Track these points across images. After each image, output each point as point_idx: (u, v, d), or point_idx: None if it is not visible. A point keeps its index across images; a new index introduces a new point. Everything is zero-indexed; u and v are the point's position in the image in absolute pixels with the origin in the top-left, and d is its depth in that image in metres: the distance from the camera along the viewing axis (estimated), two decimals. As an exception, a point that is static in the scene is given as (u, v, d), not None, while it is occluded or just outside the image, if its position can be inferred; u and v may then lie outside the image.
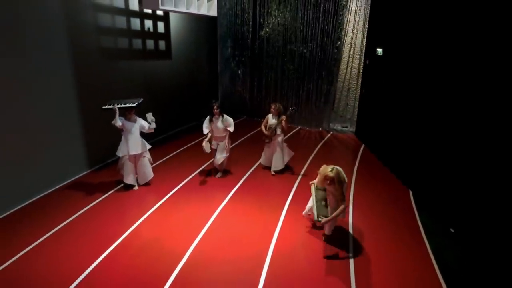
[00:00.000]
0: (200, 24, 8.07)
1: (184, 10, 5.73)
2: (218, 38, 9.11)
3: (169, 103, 7.24)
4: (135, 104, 4.70)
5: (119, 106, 4.56)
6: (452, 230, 3.98)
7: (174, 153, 6.40)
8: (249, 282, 3.10)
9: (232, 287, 3.06)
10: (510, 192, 3.27)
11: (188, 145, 6.88)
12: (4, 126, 4.01)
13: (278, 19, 8.39)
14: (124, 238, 3.72)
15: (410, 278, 3.24)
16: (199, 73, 8.46)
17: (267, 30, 8.60)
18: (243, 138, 7.39)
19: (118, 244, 3.62)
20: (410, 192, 5.02)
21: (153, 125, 4.76)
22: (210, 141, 5.10)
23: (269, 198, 4.81)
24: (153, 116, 4.77)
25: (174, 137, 7.28)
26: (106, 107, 4.56)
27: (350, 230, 4.03)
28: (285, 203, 4.65)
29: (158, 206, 4.45)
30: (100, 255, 3.42)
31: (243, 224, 4.11)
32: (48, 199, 4.54)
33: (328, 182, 3.34)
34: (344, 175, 3.51)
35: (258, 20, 8.54)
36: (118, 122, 4.52)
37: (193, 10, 5.92)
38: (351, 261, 3.46)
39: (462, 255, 3.59)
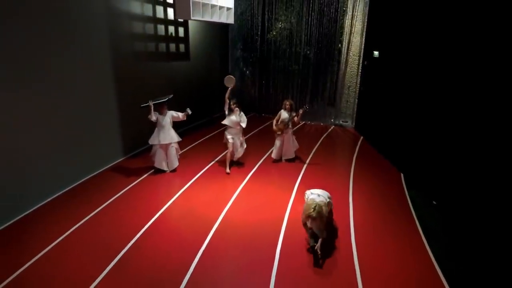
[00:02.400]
0: (214, 29, 8.90)
1: (209, 19, 6.58)
2: (230, 41, 9.95)
3: (188, 99, 8.03)
4: (166, 99, 5.51)
5: (153, 102, 5.36)
6: (434, 202, 4.82)
7: (193, 144, 7.21)
8: (271, 240, 3.92)
9: (258, 242, 3.88)
10: (477, 169, 4.10)
11: (206, 137, 7.71)
12: (59, 117, 4.82)
13: (285, 23, 9.23)
14: (164, 210, 4.53)
15: (399, 237, 4.06)
16: (212, 72, 9.28)
17: (274, 33, 9.44)
18: (252, 132, 8.20)
19: (160, 215, 4.42)
20: (402, 175, 5.87)
21: (181, 115, 5.54)
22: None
23: (281, 180, 5.65)
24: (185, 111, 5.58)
25: (192, 130, 8.10)
26: (144, 105, 5.33)
27: (351, 202, 4.86)
28: (295, 183, 5.47)
29: (188, 186, 5.26)
30: (147, 222, 4.21)
31: (262, 198, 4.95)
32: (94, 181, 5.36)
33: (311, 220, 3.43)
34: (326, 209, 3.62)
35: (266, 24, 9.37)
36: (153, 117, 5.32)
37: (215, 18, 6.77)
38: (352, 222, 4.29)
39: (441, 220, 4.44)
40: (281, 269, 3.42)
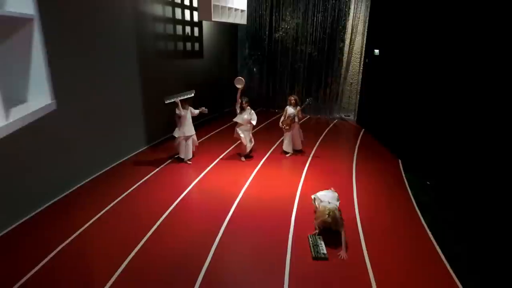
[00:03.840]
0: (225, 29, 9.53)
1: (226, 20, 7.21)
2: (239, 40, 10.58)
3: (201, 94, 8.64)
4: (192, 95, 6.06)
5: (180, 98, 5.86)
6: (428, 183, 5.45)
7: (206, 136, 7.82)
8: (286, 211, 4.55)
9: (275, 212, 4.50)
10: (464, 155, 4.72)
11: (217, 130, 8.33)
12: (94, 109, 5.45)
13: (291, 23, 9.86)
14: (191, 188, 5.16)
15: (396, 210, 4.69)
16: (223, 69, 9.91)
17: (281, 33, 10.07)
18: (260, 126, 8.80)
19: (187, 192, 5.05)
20: (399, 161, 6.50)
21: (197, 112, 6.05)
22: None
23: (291, 166, 6.29)
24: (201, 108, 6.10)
25: (204, 124, 8.72)
26: (168, 101, 5.70)
27: (354, 183, 5.49)
28: (304, 168, 6.10)
29: (208, 171, 5.85)
30: (177, 198, 4.84)
31: (275, 179, 5.59)
32: (124, 165, 6.00)
33: (326, 225, 3.79)
34: (339, 213, 3.86)
35: (273, 25, 10.00)
36: (182, 112, 5.82)
37: (231, 19, 7.40)
38: (355, 200, 4.92)
39: (434, 197, 5.07)
40: (296, 232, 4.04)
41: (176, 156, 6.27)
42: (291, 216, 4.42)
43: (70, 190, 4.94)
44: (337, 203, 4.19)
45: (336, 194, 4.44)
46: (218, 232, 4.03)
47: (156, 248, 3.73)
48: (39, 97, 1.86)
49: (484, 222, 4.27)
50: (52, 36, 4.18)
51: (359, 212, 4.57)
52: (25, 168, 4.18)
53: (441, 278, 3.37)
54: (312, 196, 4.54)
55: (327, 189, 4.62)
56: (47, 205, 4.51)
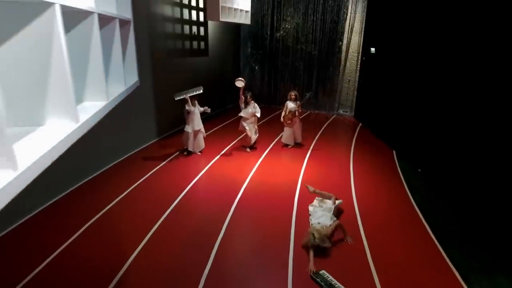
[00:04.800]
0: (228, 28, 9.99)
1: (232, 20, 7.68)
2: (241, 39, 11.05)
3: (206, 90, 9.10)
4: (201, 91, 6.48)
5: (189, 95, 6.27)
6: (419, 170, 5.94)
7: (211, 131, 8.28)
8: (290, 193, 5.02)
9: (280, 194, 4.97)
10: (450, 143, 5.21)
11: (221, 125, 8.79)
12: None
13: (291, 23, 10.33)
14: (201, 175, 5.63)
15: (390, 192, 5.17)
16: (226, 67, 10.37)
17: (282, 32, 10.53)
18: (262, 121, 9.24)
19: (198, 178, 5.52)
20: (394, 151, 6.98)
21: (202, 109, 6.42)
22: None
23: (293, 156, 6.75)
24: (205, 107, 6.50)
25: (208, 119, 9.17)
26: (178, 98, 6.11)
27: (351, 170, 5.97)
28: (304, 158, 6.57)
29: (215, 161, 6.30)
30: (190, 183, 5.31)
31: (279, 167, 6.07)
32: (140, 154, 6.46)
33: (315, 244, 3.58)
34: (325, 231, 3.70)
35: (275, 25, 10.47)
36: (192, 107, 6.23)
37: (236, 20, 7.87)
38: (352, 184, 5.39)
39: (423, 181, 5.56)
40: (299, 212, 4.51)
41: (184, 148, 6.66)
42: (294, 197, 4.90)
43: (98, 172, 5.41)
44: (330, 220, 4.03)
45: (329, 206, 4.27)
46: (230, 209, 4.50)
47: (177, 220, 4.21)
48: (131, 77, 2.93)
49: (465, 201, 4.75)
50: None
51: (356, 195, 5.04)
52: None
53: (426, 245, 3.85)
54: (309, 207, 4.48)
55: (323, 192, 4.59)
56: (77, 185, 4.99)
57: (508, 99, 4.16)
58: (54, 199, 4.60)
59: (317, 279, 3.26)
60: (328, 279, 3.26)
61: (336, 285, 3.18)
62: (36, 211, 4.30)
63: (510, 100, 4.12)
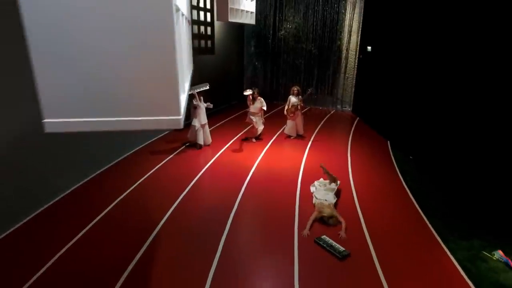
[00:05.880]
0: (233, 28, 10.56)
1: (239, 20, 8.26)
2: (245, 39, 11.62)
3: (212, 87, 9.68)
4: (207, 87, 7.02)
5: (197, 90, 6.82)
6: (410, 157, 6.53)
7: (216, 125, 8.84)
8: (294, 175, 5.60)
9: (285, 177, 5.55)
10: (437, 134, 5.79)
11: (226, 119, 9.35)
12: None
13: (293, 23, 10.90)
14: (212, 162, 6.20)
15: (384, 176, 5.75)
16: (231, 65, 10.94)
17: (283, 32, 11.11)
18: (266, 116, 9.78)
19: (210, 164, 6.09)
20: (388, 141, 7.57)
21: (206, 105, 6.92)
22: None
23: (295, 146, 7.32)
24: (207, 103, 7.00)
25: (213, 114, 9.74)
26: (188, 93, 6.79)
27: (349, 158, 6.55)
28: (306, 147, 7.15)
29: (223, 151, 6.86)
30: (203, 168, 5.88)
31: (283, 155, 6.66)
32: (153, 145, 7.02)
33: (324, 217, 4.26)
34: (333, 208, 4.37)
35: (277, 25, 11.05)
36: (199, 103, 6.80)
37: (242, 20, 8.45)
38: (350, 171, 5.97)
39: (414, 166, 6.14)
40: (302, 191, 5.09)
41: (189, 142, 7.08)
42: (297, 179, 5.48)
43: (126, 154, 5.99)
44: (333, 198, 4.60)
45: (332, 187, 4.82)
46: (241, 187, 5.09)
47: (197, 194, 4.83)
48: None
49: (448, 181, 5.33)
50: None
51: (353, 179, 5.62)
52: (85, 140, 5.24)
53: (413, 217, 4.45)
54: (311, 187, 5.05)
55: (324, 176, 5.23)
56: (107, 167, 5.57)
57: (485, 93, 4.75)
58: (87, 179, 5.22)
59: (320, 242, 3.84)
60: (329, 242, 3.85)
61: (335, 246, 3.76)
62: (74, 187, 4.90)
63: (487, 94, 4.71)
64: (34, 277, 3.18)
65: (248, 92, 7.25)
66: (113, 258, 3.50)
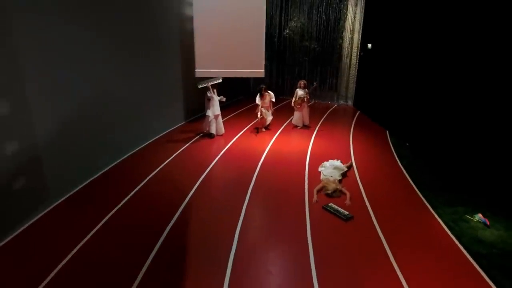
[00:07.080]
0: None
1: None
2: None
3: (221, 83, 10.38)
4: (220, 81, 7.67)
5: (211, 83, 7.45)
6: (407, 144, 7.20)
7: (228, 117, 9.51)
8: (301, 160, 6.27)
9: (294, 160, 6.22)
10: (431, 124, 6.45)
11: (235, 113, 10.01)
12: (147, 92, 7.12)
13: (297, 23, 11.58)
14: (228, 148, 6.87)
15: (382, 159, 6.42)
16: (239, 63, 11.62)
17: (288, 31, 11.78)
18: (273, 108, 10.49)
19: (225, 150, 6.76)
20: (386, 131, 8.24)
21: (219, 98, 7.55)
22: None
23: (302, 134, 7.99)
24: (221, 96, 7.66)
25: (223, 108, 10.38)
26: (202, 86, 7.21)
27: (351, 145, 7.22)
28: (312, 135, 7.83)
29: (236, 139, 7.50)
30: (218, 153, 6.53)
31: (291, 142, 7.34)
32: (171, 134, 7.69)
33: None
34: (338, 183, 5.08)
35: (282, 24, 11.72)
36: (213, 94, 7.41)
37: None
38: (352, 156, 6.64)
39: (410, 151, 6.81)
40: (311, 170, 5.77)
41: (204, 132, 7.67)
42: (305, 161, 6.16)
43: (145, 144, 6.67)
44: (338, 175, 5.33)
45: (338, 164, 5.60)
46: (256, 167, 5.78)
47: (218, 172, 5.55)
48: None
49: (438, 162, 6.00)
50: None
51: (355, 160, 6.29)
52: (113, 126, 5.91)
53: (409, 192, 5.12)
54: (320, 168, 5.72)
55: (332, 158, 5.89)
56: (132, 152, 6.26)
57: (474, 89, 5.42)
58: (119, 159, 5.92)
59: (327, 208, 4.53)
60: (335, 207, 4.53)
61: (340, 210, 4.45)
62: (110, 166, 5.58)
63: (476, 91, 5.38)
64: (90, 234, 3.87)
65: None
66: (154, 220, 4.19)
